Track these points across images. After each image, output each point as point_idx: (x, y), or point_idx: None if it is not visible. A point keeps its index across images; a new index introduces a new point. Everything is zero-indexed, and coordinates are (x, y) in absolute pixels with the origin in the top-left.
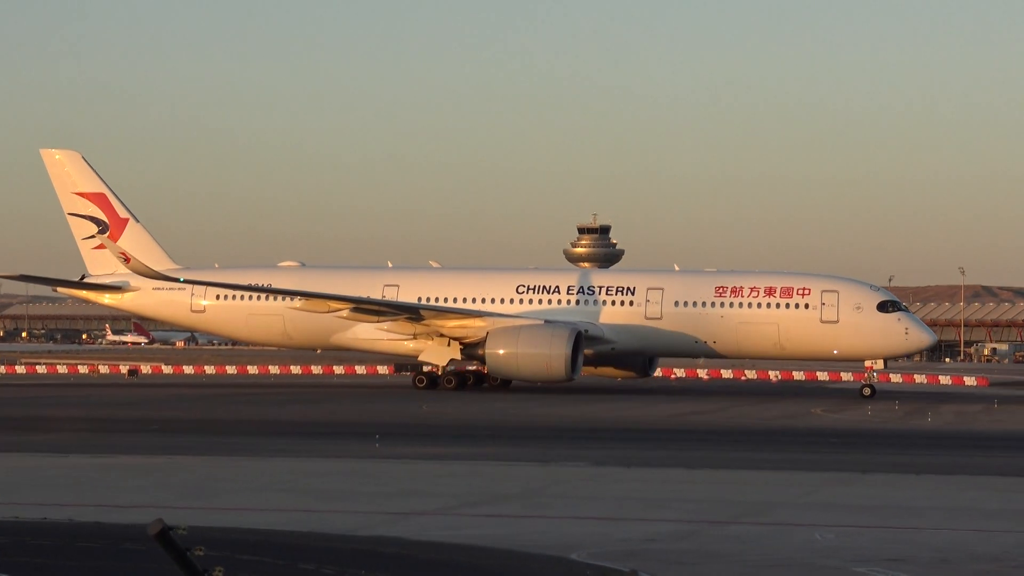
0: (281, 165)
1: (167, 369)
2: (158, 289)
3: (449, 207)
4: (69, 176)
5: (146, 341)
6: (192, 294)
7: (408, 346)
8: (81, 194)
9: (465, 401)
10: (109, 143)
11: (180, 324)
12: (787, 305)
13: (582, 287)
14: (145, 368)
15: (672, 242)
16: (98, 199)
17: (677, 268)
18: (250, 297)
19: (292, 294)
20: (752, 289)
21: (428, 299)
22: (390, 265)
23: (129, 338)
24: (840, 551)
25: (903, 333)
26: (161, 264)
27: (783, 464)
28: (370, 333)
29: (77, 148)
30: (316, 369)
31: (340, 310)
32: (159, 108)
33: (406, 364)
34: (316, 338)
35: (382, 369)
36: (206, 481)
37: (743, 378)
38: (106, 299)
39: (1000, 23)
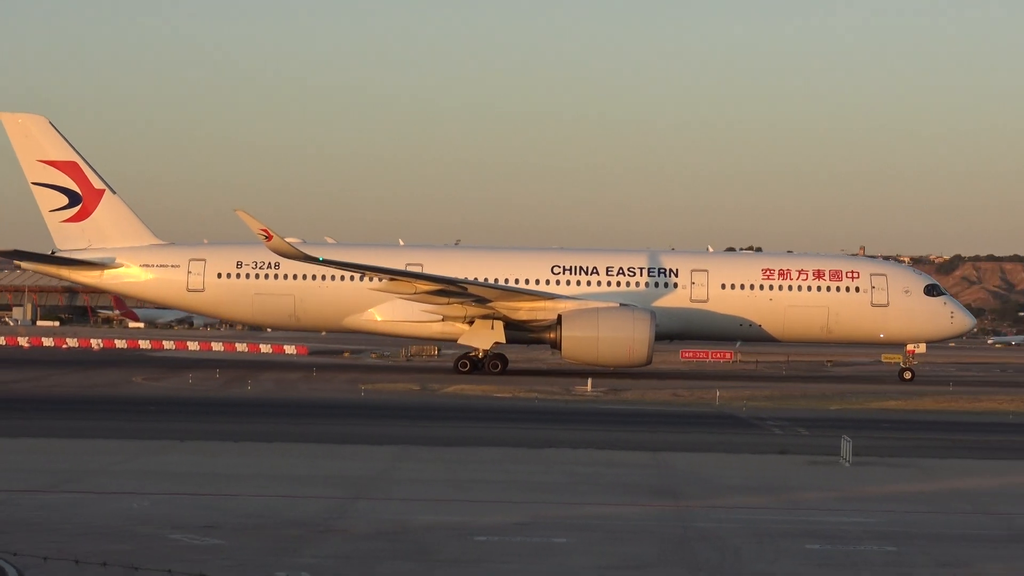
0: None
1: None
2: (147, 266)
3: None
4: (35, 143)
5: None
6: (189, 271)
7: (434, 328)
8: (48, 162)
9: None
10: (79, 108)
11: (173, 304)
12: (837, 288)
13: (622, 268)
14: None
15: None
16: (69, 168)
17: (711, 249)
18: (256, 276)
19: (428, 279)
20: (800, 272)
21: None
22: (401, 243)
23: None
24: (155, 518)
25: (949, 317)
26: (144, 239)
27: (102, 432)
28: (393, 314)
29: (43, 112)
30: None
31: (424, 291)
32: (135, 73)
33: None
34: (327, 320)
35: None
36: None
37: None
38: (98, 277)
39: None
